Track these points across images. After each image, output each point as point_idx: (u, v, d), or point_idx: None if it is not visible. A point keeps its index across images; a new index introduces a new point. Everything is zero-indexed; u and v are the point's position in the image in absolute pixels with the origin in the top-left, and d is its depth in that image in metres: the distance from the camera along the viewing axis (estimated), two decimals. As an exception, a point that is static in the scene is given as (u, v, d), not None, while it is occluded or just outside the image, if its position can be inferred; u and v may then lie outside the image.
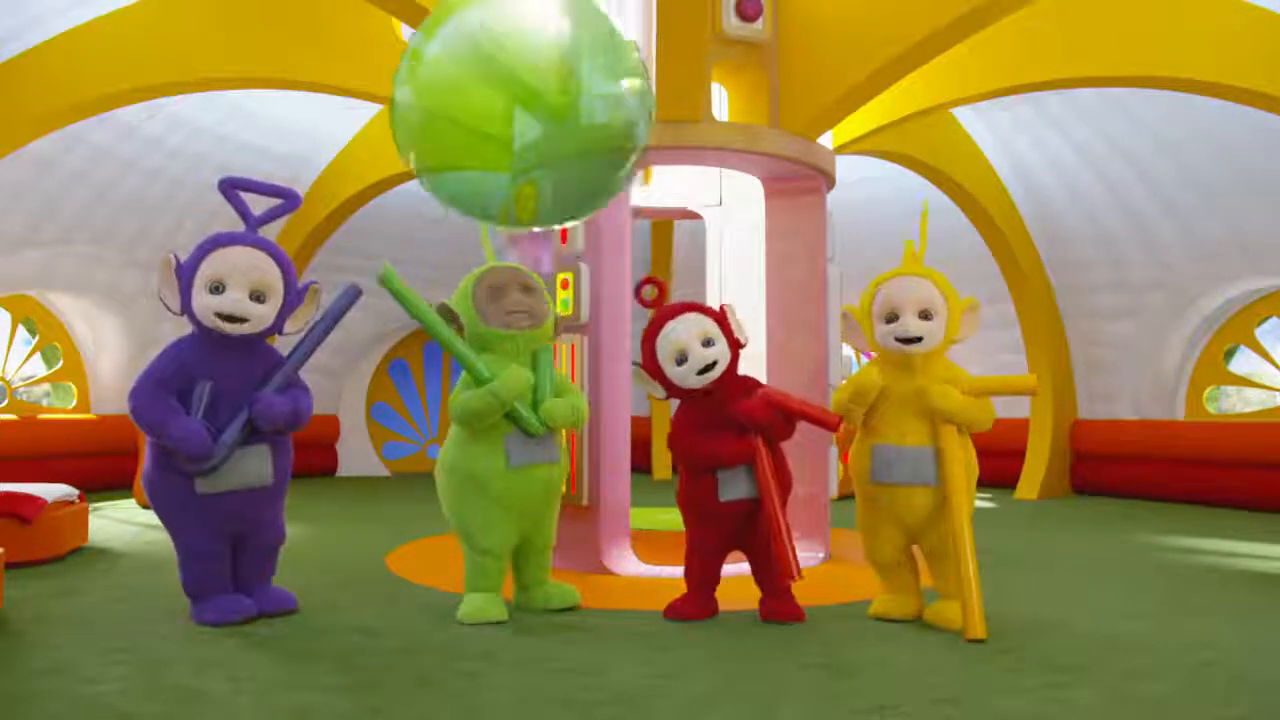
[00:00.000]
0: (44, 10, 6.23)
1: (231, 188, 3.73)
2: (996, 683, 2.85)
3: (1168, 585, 4.59)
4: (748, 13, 5.02)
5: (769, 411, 3.60)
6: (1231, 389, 9.52)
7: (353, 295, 3.67)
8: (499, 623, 3.62)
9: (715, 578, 3.80)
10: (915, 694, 2.73)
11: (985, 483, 9.92)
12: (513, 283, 3.78)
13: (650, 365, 3.77)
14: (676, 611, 3.74)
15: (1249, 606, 4.07)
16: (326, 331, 3.69)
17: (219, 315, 3.52)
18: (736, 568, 3.90)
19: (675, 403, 3.86)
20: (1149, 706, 2.64)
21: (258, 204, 3.76)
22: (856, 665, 3.04)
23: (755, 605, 3.81)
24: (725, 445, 3.61)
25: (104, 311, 9.25)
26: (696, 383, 3.66)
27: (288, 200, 3.83)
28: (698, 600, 3.77)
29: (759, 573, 3.79)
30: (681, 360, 3.66)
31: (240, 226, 3.73)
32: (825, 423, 3.62)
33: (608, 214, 4.94)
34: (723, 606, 3.82)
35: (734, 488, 3.63)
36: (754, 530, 3.71)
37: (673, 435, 3.79)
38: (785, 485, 3.72)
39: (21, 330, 9.33)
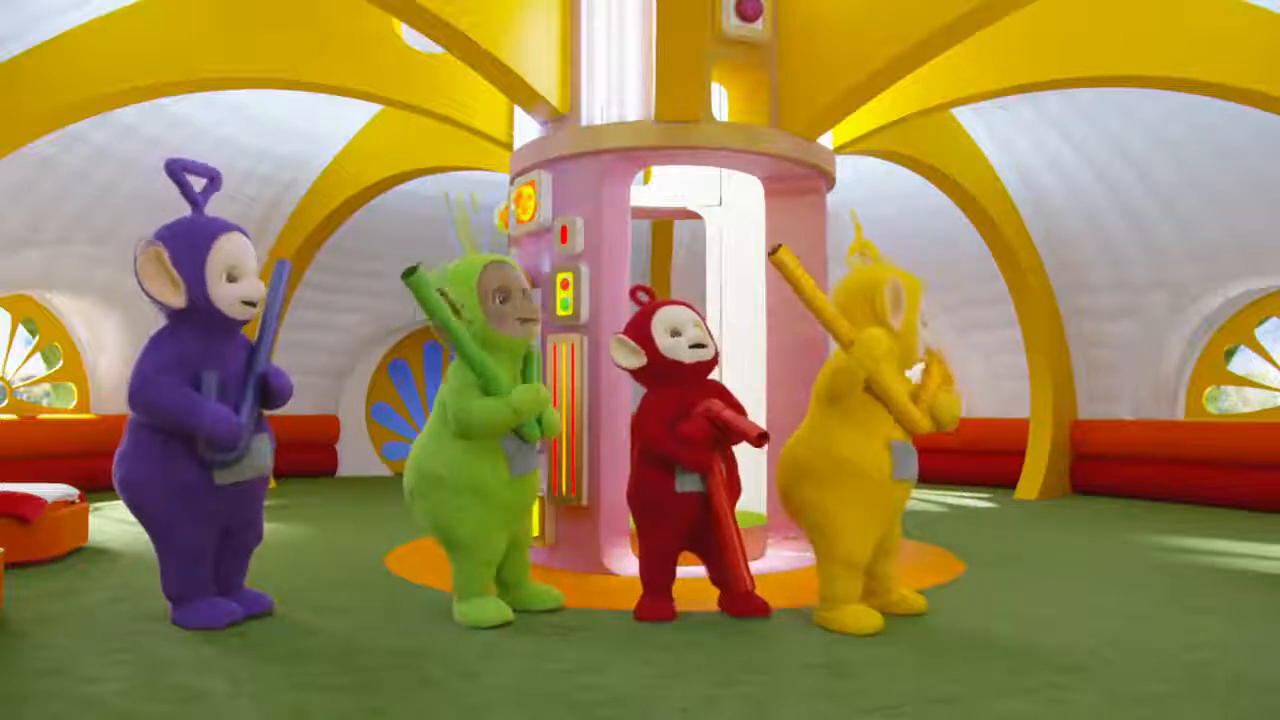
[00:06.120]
0: (44, 10, 6.22)
1: (182, 169, 3.67)
2: (996, 683, 2.85)
3: (1168, 585, 4.59)
4: (748, 13, 5.01)
5: (707, 429, 3.68)
6: (1231, 389, 9.52)
7: (287, 268, 3.86)
8: (508, 624, 3.59)
9: (673, 576, 3.83)
10: (915, 694, 2.73)
11: (985, 483, 10.09)
12: (516, 285, 3.75)
13: (638, 337, 3.86)
14: (647, 614, 3.73)
15: (1249, 606, 4.07)
16: (280, 307, 3.78)
17: (244, 302, 3.52)
18: (693, 569, 3.94)
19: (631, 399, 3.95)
20: (1149, 706, 2.64)
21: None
22: (856, 665, 3.04)
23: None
24: (686, 450, 3.66)
25: (104, 311, 9.25)
26: (687, 356, 3.80)
27: (215, 181, 3.81)
28: (663, 600, 3.79)
29: (715, 571, 3.86)
30: (676, 334, 3.81)
31: (185, 209, 3.71)
32: (746, 436, 3.61)
33: (608, 214, 4.96)
34: (701, 607, 3.84)
35: (689, 480, 3.71)
36: (707, 530, 3.76)
37: (639, 420, 3.85)
38: (735, 492, 3.83)
39: (21, 330, 9.33)
